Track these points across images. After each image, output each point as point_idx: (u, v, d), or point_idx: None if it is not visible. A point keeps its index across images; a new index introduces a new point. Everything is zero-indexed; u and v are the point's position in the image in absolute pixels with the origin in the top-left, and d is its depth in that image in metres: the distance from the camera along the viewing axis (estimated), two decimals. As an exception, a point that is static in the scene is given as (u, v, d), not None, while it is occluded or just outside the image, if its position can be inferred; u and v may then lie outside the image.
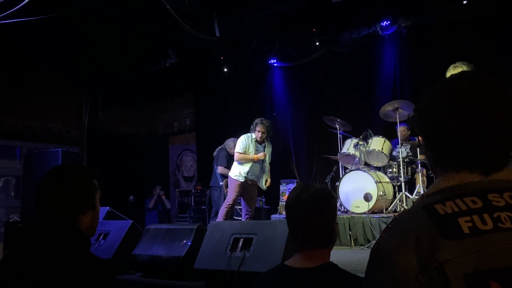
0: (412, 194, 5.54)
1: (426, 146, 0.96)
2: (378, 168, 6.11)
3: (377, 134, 6.11)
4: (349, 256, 4.33)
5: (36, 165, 5.74)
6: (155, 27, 7.32)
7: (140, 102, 11.03)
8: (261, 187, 5.76)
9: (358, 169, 5.82)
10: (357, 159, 6.04)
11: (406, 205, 5.42)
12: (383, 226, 4.84)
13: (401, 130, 6.04)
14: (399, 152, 5.82)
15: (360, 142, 6.07)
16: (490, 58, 6.13)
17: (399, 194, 5.62)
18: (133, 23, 7.19)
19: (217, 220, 5.39)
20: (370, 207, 5.43)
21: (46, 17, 5.97)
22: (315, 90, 8.37)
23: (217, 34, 7.09)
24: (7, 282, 1.37)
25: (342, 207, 5.82)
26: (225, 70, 9.02)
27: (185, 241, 3.31)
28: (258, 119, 5.56)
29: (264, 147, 5.61)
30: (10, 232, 5.74)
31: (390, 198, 5.69)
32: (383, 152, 5.85)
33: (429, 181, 5.73)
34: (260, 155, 5.49)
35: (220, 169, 6.91)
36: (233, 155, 5.92)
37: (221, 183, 6.95)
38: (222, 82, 9.17)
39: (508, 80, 0.99)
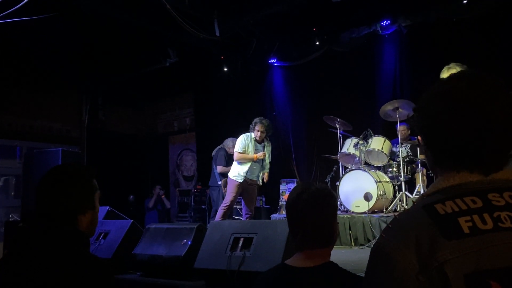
0: (412, 194, 5.55)
1: (426, 146, 0.96)
2: (378, 168, 6.11)
3: (377, 133, 6.12)
4: (349, 256, 4.33)
5: (36, 164, 5.75)
6: (155, 27, 7.31)
7: (140, 102, 11.04)
8: (258, 182, 5.74)
9: (358, 168, 5.82)
10: (357, 158, 6.04)
11: (406, 204, 5.42)
12: (383, 225, 4.85)
13: (401, 129, 6.04)
14: (399, 151, 5.82)
15: (360, 142, 6.07)
16: (490, 58, 6.14)
17: (399, 193, 5.62)
18: (133, 22, 7.19)
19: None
20: (370, 206, 5.43)
21: (46, 16, 5.97)
22: (315, 89, 8.37)
23: (217, 34, 7.09)
24: (7, 282, 1.37)
25: (342, 206, 5.82)
26: (225, 69, 9.02)
27: (185, 240, 3.31)
28: (257, 118, 5.54)
29: (264, 146, 5.59)
30: (10, 232, 5.74)
31: (390, 197, 5.70)
32: (383, 152, 5.85)
33: (429, 181, 5.73)
34: (260, 154, 5.47)
35: (219, 169, 6.91)
36: (232, 155, 5.92)
37: (219, 183, 6.94)
38: (222, 81, 9.17)
39: (508, 80, 0.99)
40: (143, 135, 11.28)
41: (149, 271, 3.44)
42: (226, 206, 5.46)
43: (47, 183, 1.51)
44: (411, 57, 7.28)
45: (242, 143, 5.47)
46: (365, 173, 5.63)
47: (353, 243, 5.14)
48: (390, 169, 5.96)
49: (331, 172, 6.82)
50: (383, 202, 5.50)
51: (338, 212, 5.51)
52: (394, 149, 6.08)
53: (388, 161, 5.98)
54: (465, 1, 6.50)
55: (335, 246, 1.68)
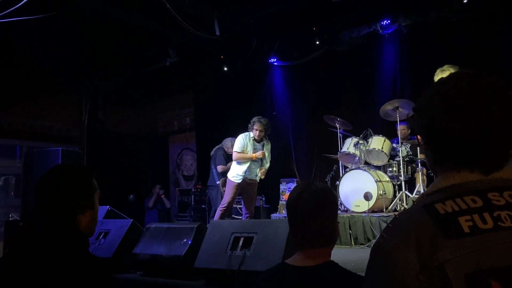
0: (412, 193, 5.55)
1: (426, 145, 0.96)
2: (378, 167, 6.11)
3: (377, 133, 6.11)
4: (349, 255, 4.33)
5: (36, 164, 5.75)
6: (155, 26, 7.31)
7: (140, 101, 11.04)
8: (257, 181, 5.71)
9: (358, 168, 5.82)
10: (357, 158, 6.04)
11: (406, 204, 5.42)
12: (383, 225, 4.85)
13: (401, 129, 6.04)
14: (399, 151, 5.82)
15: (360, 141, 6.07)
16: (490, 57, 6.13)
17: (399, 193, 5.62)
18: (133, 22, 7.19)
19: (214, 221, 5.37)
20: (370, 206, 5.43)
21: (46, 16, 5.97)
22: (315, 89, 8.37)
23: (217, 33, 7.08)
24: (7, 281, 1.37)
25: (342, 206, 5.82)
26: (225, 69, 9.02)
27: (185, 240, 3.31)
28: (255, 117, 5.51)
29: (263, 145, 5.57)
30: (10, 231, 5.75)
31: (390, 197, 5.70)
32: (383, 151, 5.85)
33: (429, 180, 5.73)
34: (258, 153, 5.44)
35: (220, 168, 6.90)
36: (230, 154, 5.90)
37: (217, 182, 6.94)
38: (222, 81, 9.17)
39: (508, 80, 0.99)
40: (143, 135, 11.28)
41: (149, 270, 3.44)
42: (224, 207, 5.43)
43: (47, 183, 1.51)
44: (411, 57, 7.28)
45: (241, 143, 5.45)
46: (365, 172, 5.63)
47: (353, 243, 5.14)
48: (390, 169, 5.96)
49: (331, 171, 6.82)
50: (383, 202, 5.50)
51: (338, 212, 5.50)
52: (394, 145, 6.07)
53: (388, 161, 5.98)
54: (465, 1, 6.50)
55: (335, 246, 1.68)
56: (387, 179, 5.82)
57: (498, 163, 0.88)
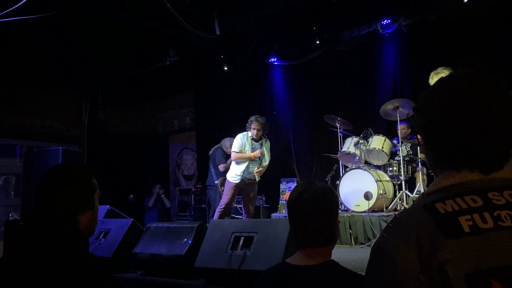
0: (412, 193, 5.54)
1: (426, 145, 0.96)
2: (379, 167, 6.11)
3: (377, 132, 6.11)
4: (349, 255, 4.33)
5: (36, 163, 5.76)
6: (155, 26, 7.31)
7: (140, 101, 11.04)
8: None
9: (359, 167, 5.82)
10: (357, 157, 6.04)
11: (407, 203, 5.42)
12: (384, 224, 4.84)
13: (401, 128, 6.04)
14: (399, 149, 5.82)
15: (361, 141, 6.07)
16: (490, 57, 6.13)
17: (399, 192, 5.62)
18: (133, 21, 7.18)
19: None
20: (371, 205, 5.43)
21: (46, 16, 5.97)
22: (316, 88, 8.36)
23: (217, 33, 7.08)
24: (7, 281, 1.37)
25: (343, 205, 5.82)
26: (225, 68, 9.02)
27: (185, 239, 3.31)
28: (253, 116, 5.50)
29: (261, 144, 5.55)
30: (10, 231, 5.74)
31: (391, 196, 5.70)
32: (383, 151, 5.85)
33: (430, 180, 5.73)
34: (257, 152, 5.42)
35: (222, 167, 6.88)
36: (229, 154, 5.89)
37: (216, 182, 6.93)
38: (222, 80, 9.17)
39: (508, 80, 0.99)
40: (143, 135, 11.28)
41: (150, 270, 3.44)
42: (222, 209, 5.41)
43: (46, 183, 1.51)
44: (411, 56, 7.28)
45: (239, 143, 5.44)
46: (365, 172, 5.63)
47: (353, 242, 5.14)
48: (390, 168, 5.95)
49: (331, 171, 6.82)
50: (383, 201, 5.50)
51: (339, 211, 5.51)
52: (394, 141, 6.07)
53: (388, 160, 5.98)
54: (465, 1, 6.49)
55: (335, 245, 1.68)
56: (387, 178, 5.82)
57: (498, 163, 0.88)
